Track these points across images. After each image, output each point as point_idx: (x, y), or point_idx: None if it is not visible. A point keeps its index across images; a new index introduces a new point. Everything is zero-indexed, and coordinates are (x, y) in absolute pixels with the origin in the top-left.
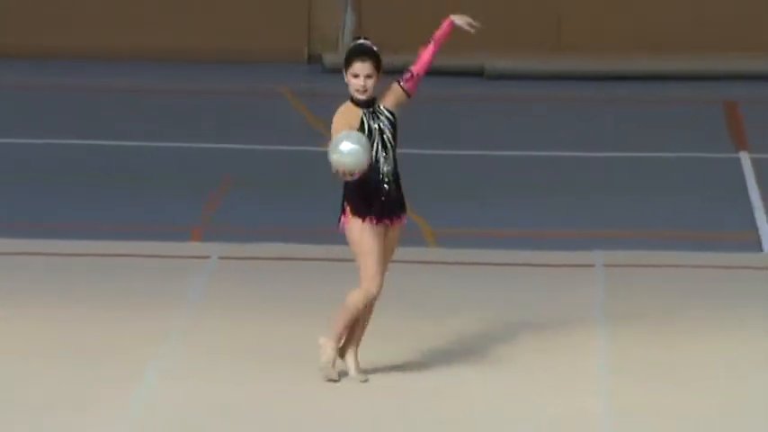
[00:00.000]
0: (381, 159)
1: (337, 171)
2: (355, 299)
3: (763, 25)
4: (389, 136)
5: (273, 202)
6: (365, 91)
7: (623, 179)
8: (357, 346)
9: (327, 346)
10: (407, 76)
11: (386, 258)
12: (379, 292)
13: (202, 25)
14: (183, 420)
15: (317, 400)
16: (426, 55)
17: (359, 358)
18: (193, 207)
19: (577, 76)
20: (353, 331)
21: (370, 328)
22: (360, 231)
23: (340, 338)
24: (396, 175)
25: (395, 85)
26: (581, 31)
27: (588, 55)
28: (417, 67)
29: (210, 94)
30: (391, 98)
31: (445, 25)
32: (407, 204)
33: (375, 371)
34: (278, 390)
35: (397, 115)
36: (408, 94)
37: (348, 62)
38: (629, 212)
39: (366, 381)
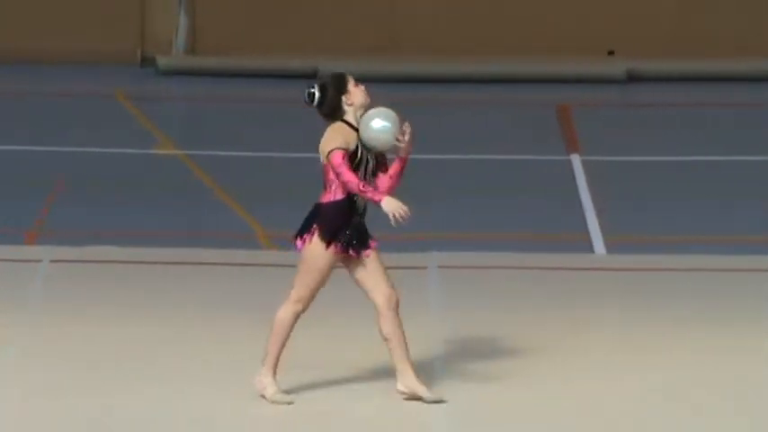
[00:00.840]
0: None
1: (374, 146)
2: (284, 316)
3: (594, 27)
4: (372, 168)
5: (107, 205)
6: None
7: (458, 181)
8: (411, 366)
9: (264, 380)
10: (385, 167)
11: (377, 281)
12: (305, 309)
13: (31, 25)
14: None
15: (157, 401)
16: (382, 183)
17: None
18: (26, 210)
19: (411, 78)
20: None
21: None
22: (319, 254)
23: (275, 360)
24: (368, 207)
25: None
26: (415, 34)
27: (422, 58)
28: (351, 182)
29: (43, 96)
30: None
31: (397, 164)
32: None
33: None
34: (106, 401)
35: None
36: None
37: (342, 83)
38: (464, 215)
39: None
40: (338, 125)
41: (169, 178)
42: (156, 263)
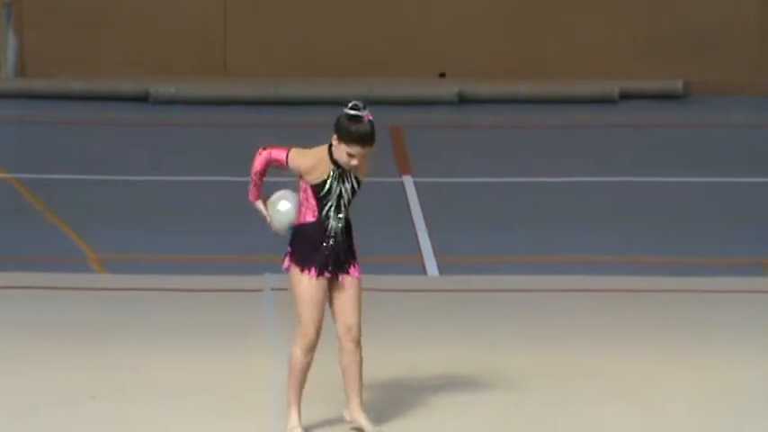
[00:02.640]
0: (331, 215)
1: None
2: (294, 353)
3: (426, 50)
4: (346, 200)
5: None
6: (352, 169)
7: None
8: (359, 399)
9: (289, 415)
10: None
11: (343, 309)
12: (314, 342)
13: None
14: None
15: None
16: None
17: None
18: None
19: (242, 101)
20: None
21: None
22: (298, 279)
23: (295, 400)
24: (346, 230)
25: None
26: (245, 57)
27: (253, 80)
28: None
29: None
30: (363, 168)
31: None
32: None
33: None
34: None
35: (361, 181)
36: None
37: (347, 137)
38: None
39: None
40: (319, 151)
41: None
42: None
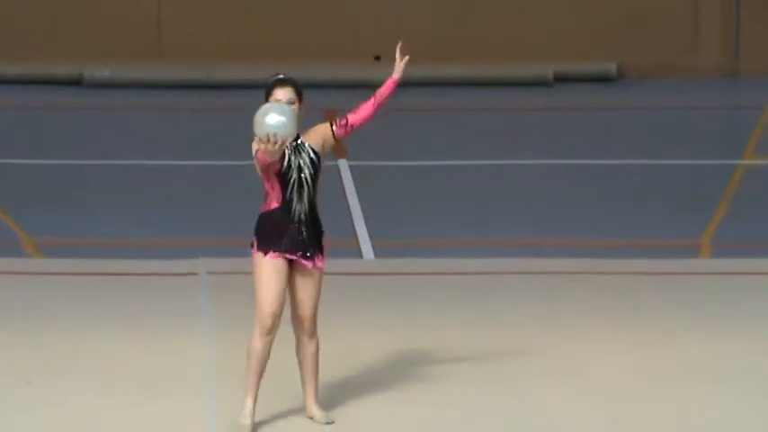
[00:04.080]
0: (295, 198)
1: (269, 140)
2: (251, 338)
3: (361, 33)
4: (308, 175)
5: None
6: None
7: (225, 187)
8: (314, 392)
9: (244, 403)
10: (342, 122)
11: (301, 300)
12: (270, 326)
13: None
14: None
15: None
16: (366, 111)
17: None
18: None
19: (177, 84)
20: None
21: None
22: (258, 264)
23: (252, 387)
24: (310, 217)
25: (324, 126)
26: (180, 40)
27: (188, 63)
28: (354, 118)
29: None
30: (317, 137)
31: (389, 83)
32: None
33: None
34: None
35: (321, 156)
36: (335, 137)
37: (268, 92)
38: (233, 221)
39: (333, 422)
40: None
41: None
42: None
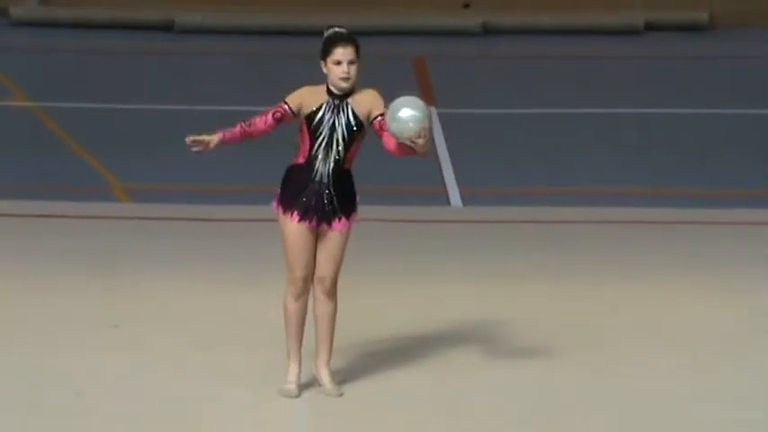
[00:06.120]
0: (320, 156)
1: (420, 136)
2: (284, 301)
3: None
4: (340, 136)
5: None
6: (349, 78)
7: None
8: (326, 355)
9: (288, 369)
10: (383, 121)
11: (321, 260)
12: (302, 289)
13: None
14: None
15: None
16: (390, 144)
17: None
18: None
19: (269, 30)
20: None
21: None
22: (283, 223)
23: (294, 352)
24: (335, 179)
25: (377, 101)
26: None
27: (280, 9)
28: (386, 135)
29: None
30: (366, 105)
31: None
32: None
33: None
34: None
35: (363, 123)
36: (371, 124)
37: (327, 49)
38: None
39: (341, 395)
40: (311, 87)
41: (23, 130)
42: (9, 215)
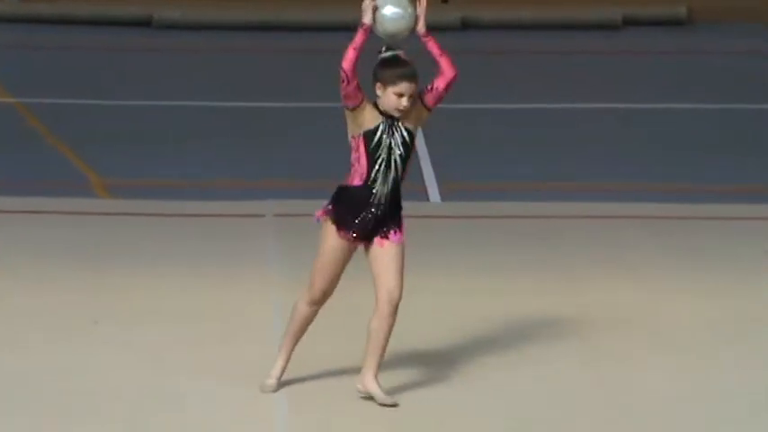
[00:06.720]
0: (379, 179)
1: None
2: (298, 301)
3: None
4: (397, 157)
5: None
6: (405, 111)
7: (300, 130)
8: (375, 367)
9: (275, 362)
10: (429, 87)
11: (380, 273)
12: (319, 299)
13: None
14: None
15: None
16: (448, 70)
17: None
18: None
19: (247, 26)
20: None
21: None
22: (326, 234)
23: (286, 348)
24: (392, 198)
25: (418, 104)
26: None
27: (257, 5)
28: (439, 81)
29: None
30: (411, 116)
31: (428, 43)
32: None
33: None
34: None
35: (413, 132)
36: (427, 107)
37: (393, 79)
38: (302, 164)
39: (396, 405)
40: (372, 106)
41: (2, 126)
42: None
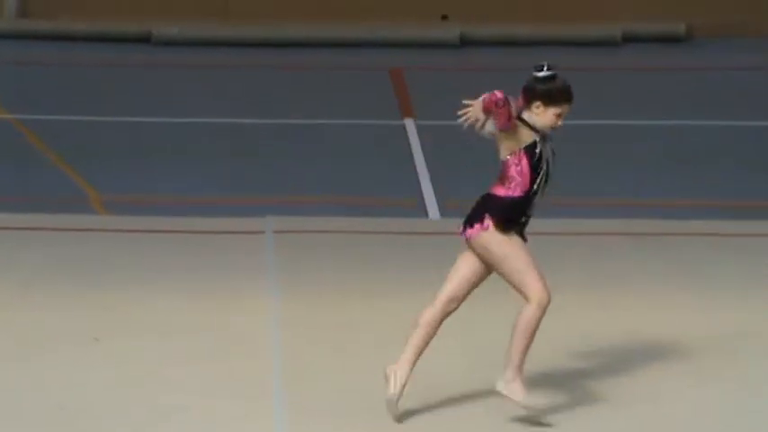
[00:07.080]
0: (539, 192)
1: None
2: (532, 315)
3: None
4: (551, 169)
5: None
6: (555, 129)
7: (297, 146)
8: (516, 367)
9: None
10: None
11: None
12: (550, 299)
13: None
14: None
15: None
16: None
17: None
18: None
19: (244, 42)
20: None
21: None
22: (503, 238)
23: (519, 365)
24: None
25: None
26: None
27: (254, 22)
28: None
29: None
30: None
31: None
32: None
33: None
34: None
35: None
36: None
37: (557, 100)
38: (301, 179)
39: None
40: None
41: (0, 142)
42: None
